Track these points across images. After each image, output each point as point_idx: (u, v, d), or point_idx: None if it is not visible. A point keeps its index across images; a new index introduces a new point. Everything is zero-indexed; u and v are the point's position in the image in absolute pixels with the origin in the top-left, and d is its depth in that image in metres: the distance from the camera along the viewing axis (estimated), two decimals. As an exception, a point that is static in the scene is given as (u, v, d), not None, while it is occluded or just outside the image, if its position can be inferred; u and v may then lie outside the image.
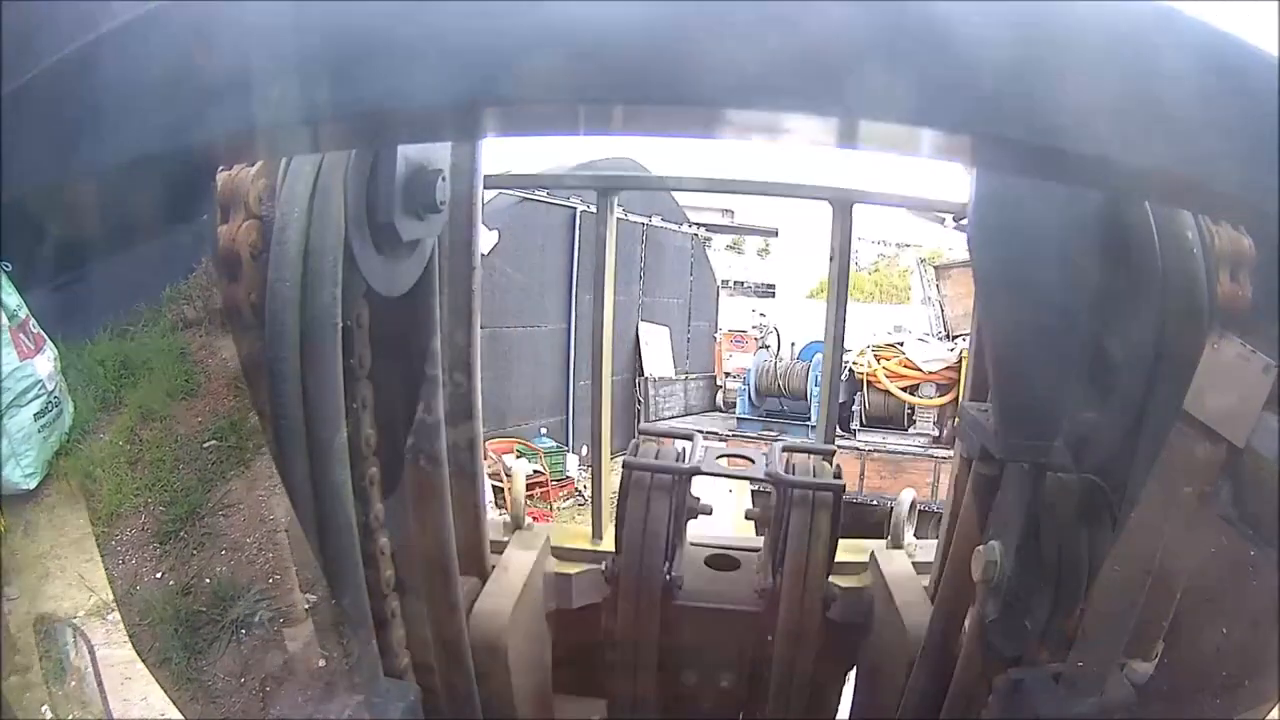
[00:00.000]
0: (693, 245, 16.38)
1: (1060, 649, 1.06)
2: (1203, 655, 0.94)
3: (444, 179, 1.01)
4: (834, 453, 1.54)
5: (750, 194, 2.52)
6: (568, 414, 12.58)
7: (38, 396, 1.19)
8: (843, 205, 1.78)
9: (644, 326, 14.28)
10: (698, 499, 1.45)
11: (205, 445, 0.81)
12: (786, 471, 1.42)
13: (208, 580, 0.79)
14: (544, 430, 11.81)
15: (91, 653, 0.88)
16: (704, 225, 18.06)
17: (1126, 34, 0.47)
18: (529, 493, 10.50)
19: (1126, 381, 0.97)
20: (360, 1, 0.47)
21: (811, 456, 1.50)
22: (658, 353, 14.53)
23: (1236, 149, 0.48)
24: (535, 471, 10.32)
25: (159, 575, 0.79)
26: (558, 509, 10.38)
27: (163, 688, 0.82)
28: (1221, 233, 0.89)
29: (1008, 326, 1.12)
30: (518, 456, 10.46)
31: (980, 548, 1.18)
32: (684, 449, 1.48)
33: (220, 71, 0.48)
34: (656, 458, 1.44)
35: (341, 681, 0.92)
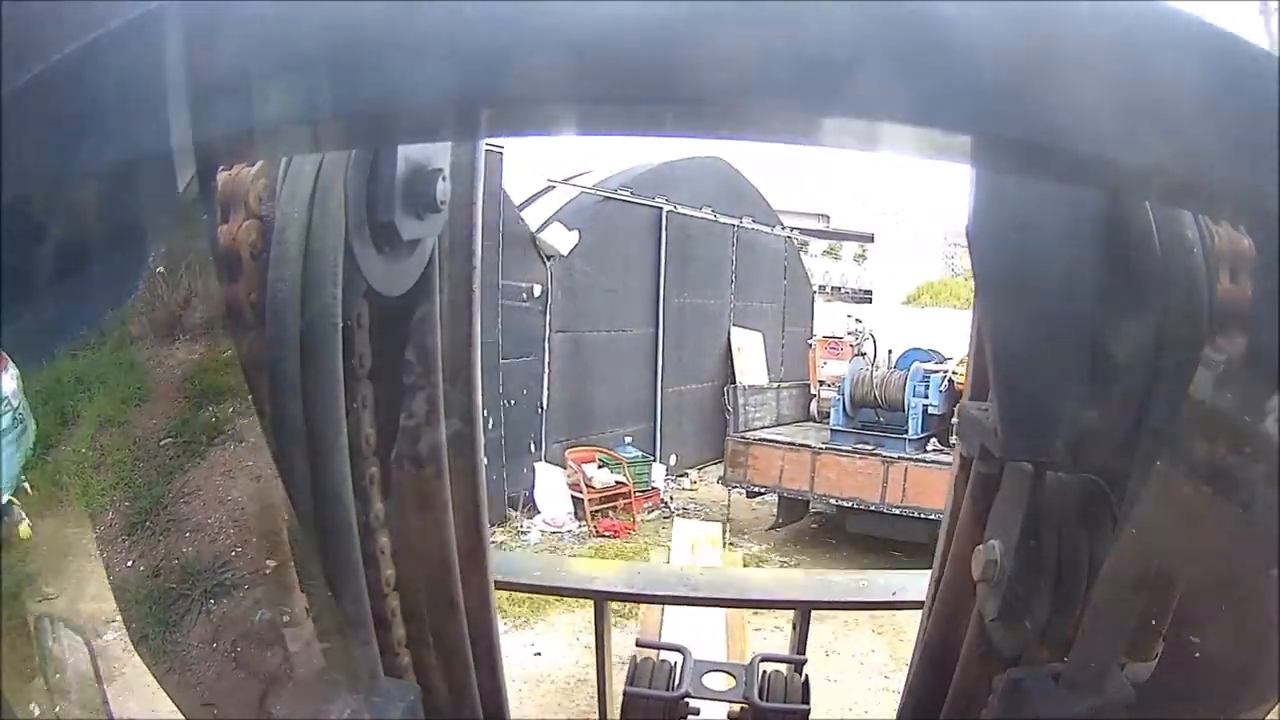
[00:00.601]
0: (786, 248, 15.88)
1: (1060, 649, 1.06)
2: (1203, 655, 0.94)
3: (444, 178, 1.01)
4: (805, 662, 1.81)
5: (710, 603, 2.81)
6: (655, 422, 12.19)
7: (4, 413, 1.19)
8: (804, 613, 2.11)
9: (736, 331, 13.75)
10: (687, 704, 1.72)
11: (162, 444, 0.84)
12: (761, 687, 1.66)
13: (176, 560, 0.83)
14: (628, 439, 11.46)
15: (91, 652, 0.89)
16: (798, 230, 17.45)
17: (1126, 33, 0.47)
18: (611, 503, 9.90)
19: (1126, 381, 0.97)
20: (358, 1, 0.47)
21: (787, 667, 1.75)
22: (751, 359, 13.91)
23: (1237, 148, 0.48)
24: (618, 482, 10.13)
25: (129, 564, 0.82)
26: (640, 521, 10.03)
27: (145, 662, 0.85)
28: (1221, 233, 0.89)
29: (1007, 326, 1.12)
30: (599, 466, 10.22)
31: (980, 547, 1.18)
32: (677, 663, 1.75)
33: (218, 72, 0.48)
34: (652, 674, 1.72)
35: (325, 669, 0.94)
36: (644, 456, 11.15)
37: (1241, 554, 0.86)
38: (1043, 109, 0.46)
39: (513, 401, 9.81)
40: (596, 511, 9.64)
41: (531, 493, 9.90)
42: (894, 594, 2.16)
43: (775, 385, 13.00)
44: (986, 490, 1.23)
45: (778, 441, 10.28)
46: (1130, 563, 0.97)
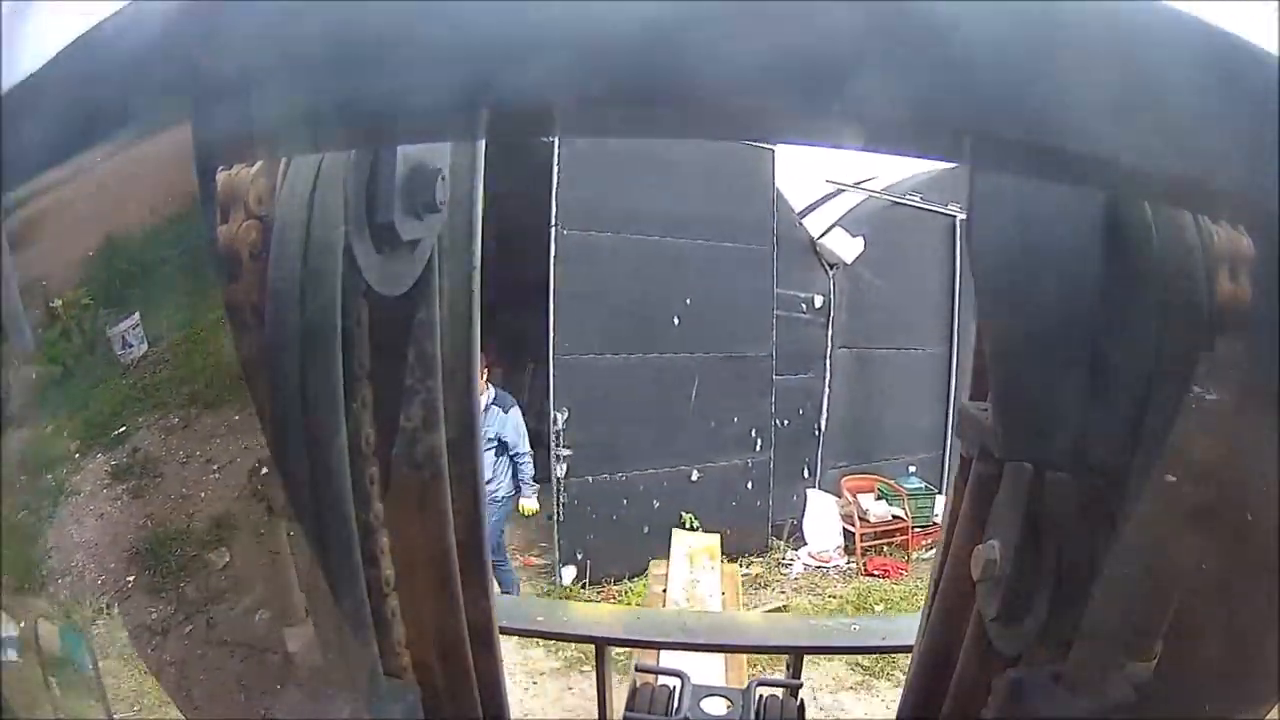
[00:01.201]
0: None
1: (1060, 649, 1.06)
2: (1203, 655, 0.94)
3: (444, 179, 1.01)
4: (800, 686, 1.86)
5: (707, 648, 2.82)
6: (944, 450, 10.64)
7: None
8: (797, 656, 2.12)
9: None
10: None
11: (19, 517, 0.90)
12: (758, 711, 1.69)
13: (62, 597, 0.91)
14: (912, 468, 10.15)
15: (91, 653, 0.89)
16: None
17: (1126, 32, 0.47)
18: (888, 539, 8.99)
19: (1126, 381, 0.97)
20: (357, 2, 0.47)
21: (783, 691, 1.79)
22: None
23: (1237, 148, 0.48)
24: (895, 516, 9.11)
25: (22, 624, 0.89)
26: (916, 559, 8.95)
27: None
28: (1221, 233, 0.89)
29: (1006, 325, 1.12)
30: (877, 497, 9.22)
31: (980, 547, 1.18)
32: (675, 687, 1.78)
33: (218, 72, 0.48)
34: (651, 698, 1.75)
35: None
36: (927, 488, 9.77)
37: (1241, 554, 0.86)
38: (1042, 108, 0.46)
39: (785, 422, 8.82)
40: (869, 548, 8.69)
41: (800, 522, 8.92)
42: (883, 639, 2.25)
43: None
44: (986, 490, 1.23)
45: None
46: (1130, 563, 0.97)
